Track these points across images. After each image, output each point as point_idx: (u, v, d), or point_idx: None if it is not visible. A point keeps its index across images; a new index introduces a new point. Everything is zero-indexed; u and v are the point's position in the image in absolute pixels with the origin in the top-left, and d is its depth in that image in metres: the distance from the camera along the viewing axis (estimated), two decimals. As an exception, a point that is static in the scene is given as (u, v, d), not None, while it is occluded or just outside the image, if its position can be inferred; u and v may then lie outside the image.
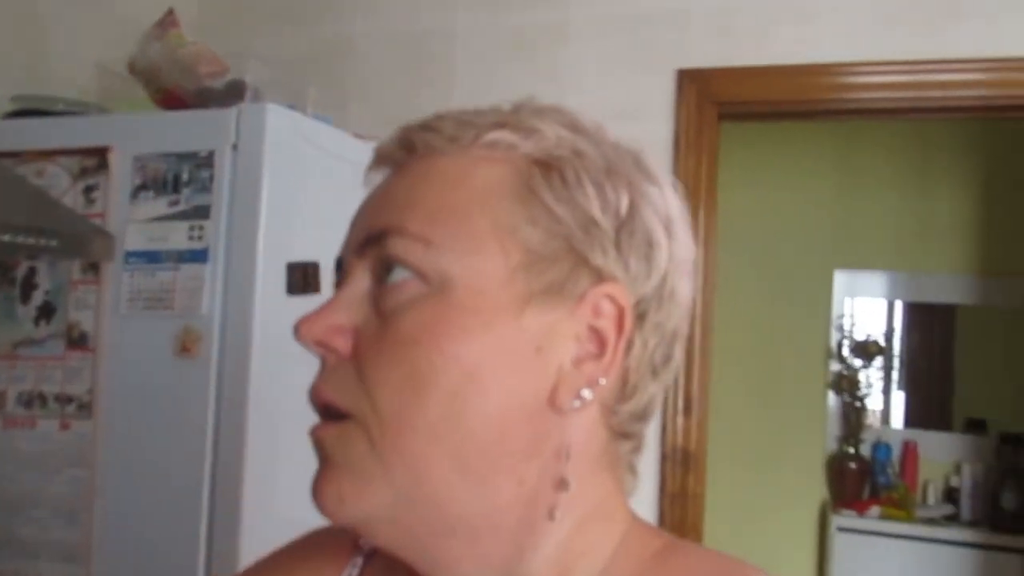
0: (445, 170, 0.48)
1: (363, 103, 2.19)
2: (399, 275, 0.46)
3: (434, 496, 0.46)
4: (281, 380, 1.57)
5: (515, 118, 0.49)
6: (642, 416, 0.51)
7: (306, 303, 1.62)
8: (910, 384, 3.39)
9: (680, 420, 1.98)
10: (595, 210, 0.47)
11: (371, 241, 0.48)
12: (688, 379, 1.99)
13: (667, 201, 0.51)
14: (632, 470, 0.53)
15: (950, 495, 2.98)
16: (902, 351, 3.38)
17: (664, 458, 1.98)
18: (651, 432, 1.92)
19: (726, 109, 2.06)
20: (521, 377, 0.46)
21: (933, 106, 2.05)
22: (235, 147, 1.52)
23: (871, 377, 3.17)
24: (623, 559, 0.50)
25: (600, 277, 0.47)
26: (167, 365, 1.52)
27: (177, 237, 1.53)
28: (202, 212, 1.52)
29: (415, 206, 0.47)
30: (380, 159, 0.52)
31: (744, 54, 2.02)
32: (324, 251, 1.68)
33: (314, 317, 0.47)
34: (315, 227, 1.68)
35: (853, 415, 3.15)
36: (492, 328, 0.46)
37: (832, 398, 3.24)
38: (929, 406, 3.33)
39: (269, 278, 1.53)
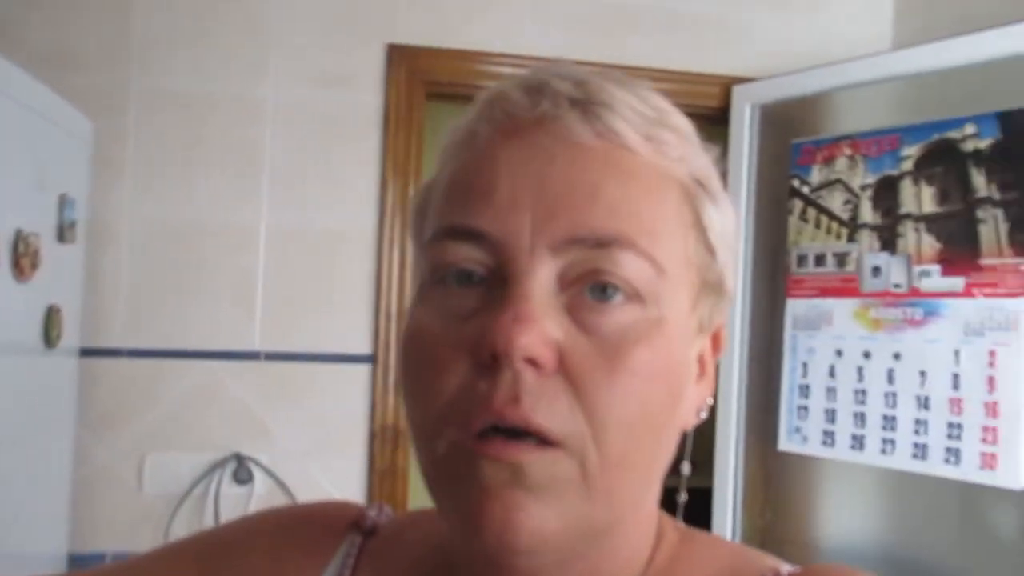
0: (648, 179, 0.43)
1: (21, 34, 1.79)
2: (618, 295, 0.41)
3: (612, 525, 0.44)
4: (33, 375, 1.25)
5: (667, 119, 0.45)
6: None
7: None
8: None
9: (390, 399, 1.99)
10: (732, 237, 0.47)
11: (582, 243, 0.41)
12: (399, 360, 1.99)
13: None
14: None
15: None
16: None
17: (374, 436, 1.98)
18: (361, 411, 1.90)
19: (432, 88, 2.09)
20: (685, 406, 0.46)
21: None
22: None
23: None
24: (662, 546, 0.51)
25: (725, 305, 0.49)
26: None
27: None
28: None
29: (639, 220, 0.42)
30: (551, 123, 0.43)
31: (449, 36, 2.06)
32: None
33: (524, 326, 0.39)
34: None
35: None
36: (686, 362, 0.45)
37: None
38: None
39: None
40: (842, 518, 1.89)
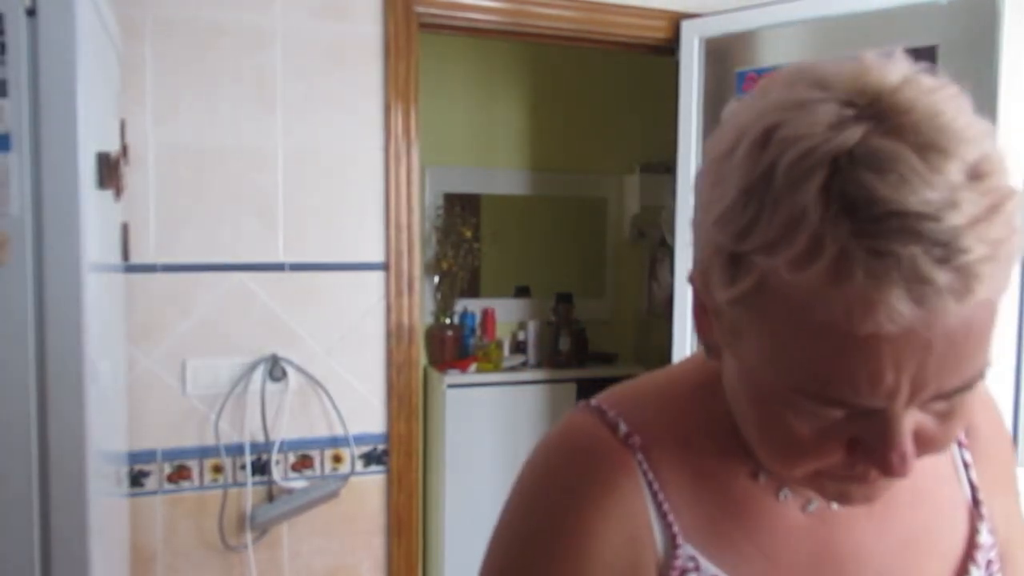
0: (992, 304, 0.46)
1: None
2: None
3: None
4: (111, 289, 1.40)
5: (1014, 235, 0.46)
6: None
7: (105, 198, 1.47)
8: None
9: (404, 301, 2.24)
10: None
11: (942, 397, 0.48)
12: (409, 263, 2.24)
13: None
14: None
15: (519, 346, 3.78)
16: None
17: (390, 334, 2.23)
18: (377, 313, 2.16)
19: (423, 19, 2.28)
20: None
21: (535, 32, 2.51)
22: (31, 12, 1.27)
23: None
24: None
25: None
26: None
27: (-36, 119, 1.22)
28: (-4, 89, 1.25)
29: (984, 352, 0.47)
30: (932, 319, 0.43)
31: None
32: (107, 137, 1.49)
33: (906, 465, 0.48)
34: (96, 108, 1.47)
35: (446, 292, 3.70)
36: None
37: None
38: (491, 279, 4.04)
39: (84, 169, 1.34)
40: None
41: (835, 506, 0.61)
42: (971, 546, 0.64)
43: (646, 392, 0.65)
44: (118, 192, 1.56)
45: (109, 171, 1.43)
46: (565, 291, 3.76)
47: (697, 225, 0.53)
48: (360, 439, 2.21)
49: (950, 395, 0.47)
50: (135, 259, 1.99)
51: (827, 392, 0.46)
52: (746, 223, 0.46)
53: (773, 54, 2.31)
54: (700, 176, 0.53)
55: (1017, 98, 1.87)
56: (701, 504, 0.59)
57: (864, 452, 0.49)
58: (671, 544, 0.58)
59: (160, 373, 2.05)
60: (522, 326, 3.84)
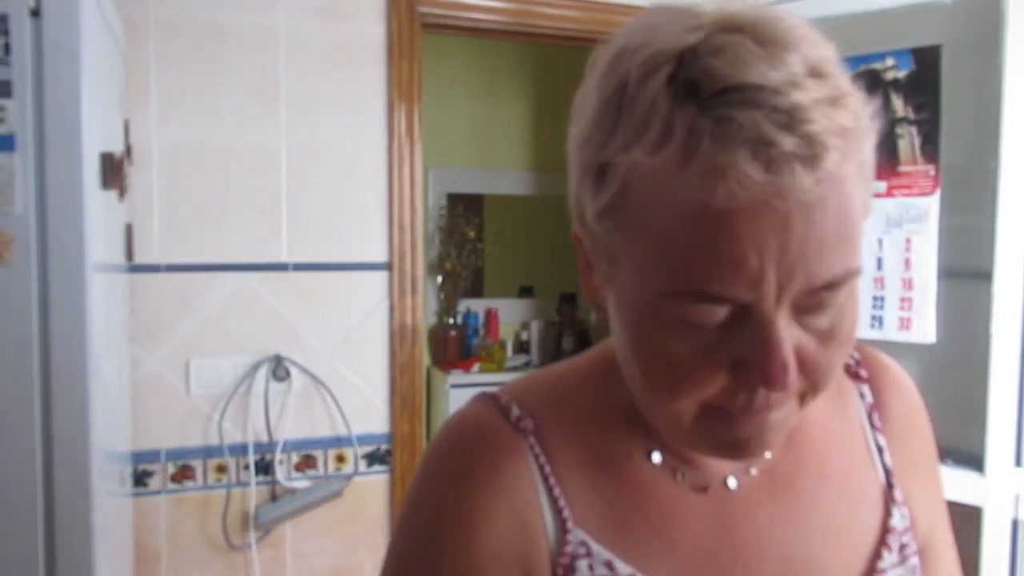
0: (850, 192, 0.48)
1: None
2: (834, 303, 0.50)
3: None
4: (115, 289, 1.40)
5: (857, 120, 0.48)
6: None
7: (107, 198, 1.47)
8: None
9: (407, 301, 2.24)
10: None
11: (816, 290, 0.48)
12: (412, 263, 2.24)
13: None
14: None
15: (522, 346, 3.79)
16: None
17: (393, 334, 2.23)
18: (380, 312, 2.16)
19: (426, 19, 2.28)
20: None
21: (538, 32, 2.52)
22: (35, 12, 1.27)
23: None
24: None
25: None
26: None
27: (-32, 119, 1.23)
28: (1, 90, 1.25)
29: (852, 244, 0.48)
30: (786, 190, 0.44)
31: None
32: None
33: (788, 374, 0.47)
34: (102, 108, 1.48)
35: (449, 292, 3.71)
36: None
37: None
38: (494, 279, 4.06)
39: (88, 169, 1.34)
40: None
41: (733, 483, 0.60)
42: (884, 530, 0.63)
43: (543, 380, 0.65)
44: (122, 192, 1.56)
45: (113, 171, 1.43)
46: (568, 291, 3.76)
47: (569, 171, 0.54)
48: (363, 439, 2.22)
49: (821, 291, 0.47)
50: (139, 259, 2.00)
51: (692, 286, 0.46)
52: (607, 130, 0.49)
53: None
54: (570, 130, 0.55)
55: (1022, 97, 1.86)
56: (595, 487, 0.58)
57: (745, 370, 0.48)
58: (561, 529, 0.57)
59: (164, 373, 2.05)
60: (525, 326, 3.84)
